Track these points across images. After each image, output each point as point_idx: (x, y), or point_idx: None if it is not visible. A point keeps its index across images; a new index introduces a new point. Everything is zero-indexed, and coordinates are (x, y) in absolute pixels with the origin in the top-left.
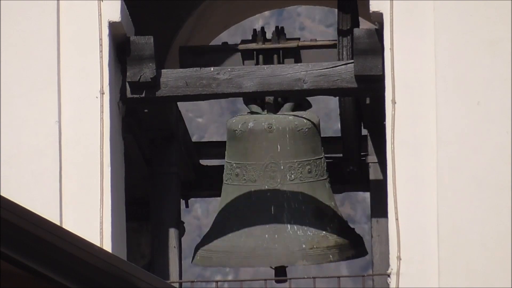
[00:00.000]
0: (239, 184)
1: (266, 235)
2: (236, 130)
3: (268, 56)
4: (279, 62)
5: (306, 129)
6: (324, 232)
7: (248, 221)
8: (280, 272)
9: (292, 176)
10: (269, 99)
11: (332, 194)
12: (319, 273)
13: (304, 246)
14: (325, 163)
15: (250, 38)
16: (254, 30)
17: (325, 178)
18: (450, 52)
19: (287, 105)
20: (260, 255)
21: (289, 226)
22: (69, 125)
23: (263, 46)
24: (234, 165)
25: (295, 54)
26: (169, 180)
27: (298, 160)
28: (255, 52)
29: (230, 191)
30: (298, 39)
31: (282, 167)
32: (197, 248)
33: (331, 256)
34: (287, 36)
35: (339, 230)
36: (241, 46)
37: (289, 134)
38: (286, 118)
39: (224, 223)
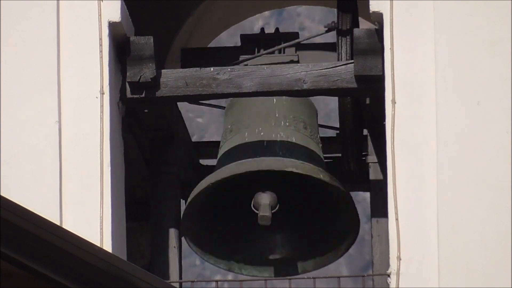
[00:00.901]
0: (233, 135)
1: (257, 156)
2: (233, 100)
3: (268, 47)
4: (279, 52)
5: (306, 105)
6: (316, 165)
7: (239, 152)
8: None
9: (287, 123)
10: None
11: (324, 161)
12: (319, 273)
13: (295, 158)
14: (321, 146)
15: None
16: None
17: (319, 145)
18: (450, 52)
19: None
20: (250, 162)
21: (280, 152)
22: (69, 125)
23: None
24: (228, 127)
25: (295, 45)
26: (169, 180)
27: (294, 114)
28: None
29: (224, 146)
30: (297, 33)
31: (277, 115)
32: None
33: (321, 174)
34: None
35: (332, 177)
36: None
37: (286, 102)
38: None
39: (215, 168)
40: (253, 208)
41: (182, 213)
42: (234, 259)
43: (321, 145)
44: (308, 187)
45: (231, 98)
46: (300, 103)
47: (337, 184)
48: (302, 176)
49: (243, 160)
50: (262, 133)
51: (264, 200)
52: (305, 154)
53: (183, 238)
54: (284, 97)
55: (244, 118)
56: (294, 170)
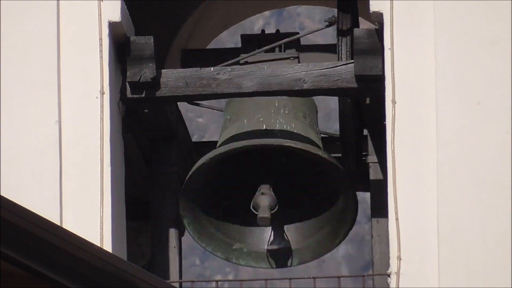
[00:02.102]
0: (231, 123)
1: (256, 139)
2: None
3: (269, 44)
4: (280, 51)
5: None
6: (315, 146)
7: (238, 136)
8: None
9: (287, 110)
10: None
11: (323, 150)
12: (319, 273)
13: (294, 141)
14: (321, 139)
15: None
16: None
17: (319, 135)
18: (450, 52)
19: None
20: (248, 140)
21: (279, 134)
22: (69, 125)
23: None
24: (227, 118)
25: (296, 45)
26: (169, 180)
27: (293, 105)
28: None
29: (223, 135)
30: (297, 33)
31: (276, 104)
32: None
33: (320, 152)
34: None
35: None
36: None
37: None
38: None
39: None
40: (252, 209)
41: (180, 191)
42: (233, 248)
43: (320, 136)
44: (307, 169)
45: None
46: (300, 97)
47: (335, 162)
48: (300, 154)
49: (242, 140)
50: (261, 119)
51: (264, 202)
52: (304, 140)
53: (183, 238)
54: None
55: (243, 108)
56: (293, 145)
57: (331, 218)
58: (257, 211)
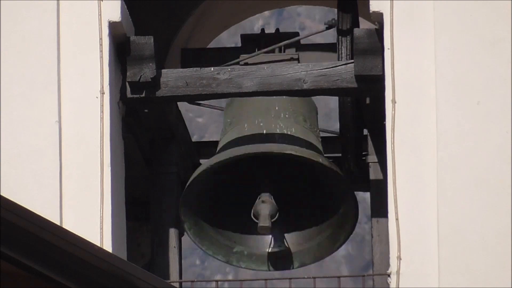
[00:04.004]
0: (232, 127)
1: (257, 143)
2: (234, 99)
3: (268, 47)
4: (280, 51)
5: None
6: (316, 152)
7: (239, 140)
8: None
9: (287, 115)
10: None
11: (323, 154)
12: (319, 273)
13: (294, 147)
14: (321, 141)
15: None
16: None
17: (319, 139)
18: (450, 52)
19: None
20: (249, 146)
21: (280, 140)
22: (69, 125)
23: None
24: (228, 121)
25: (296, 45)
26: (169, 180)
27: (293, 108)
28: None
29: (224, 139)
30: (298, 33)
31: (277, 108)
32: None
33: (320, 158)
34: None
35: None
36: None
37: (288, 100)
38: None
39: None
40: (253, 217)
41: (181, 197)
42: (233, 251)
43: (320, 139)
44: (307, 175)
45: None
46: (300, 99)
47: (335, 169)
48: (301, 161)
49: (242, 146)
50: (261, 124)
51: (264, 211)
52: (304, 144)
53: (183, 238)
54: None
55: (244, 111)
56: (293, 153)
57: (332, 222)
58: (257, 219)
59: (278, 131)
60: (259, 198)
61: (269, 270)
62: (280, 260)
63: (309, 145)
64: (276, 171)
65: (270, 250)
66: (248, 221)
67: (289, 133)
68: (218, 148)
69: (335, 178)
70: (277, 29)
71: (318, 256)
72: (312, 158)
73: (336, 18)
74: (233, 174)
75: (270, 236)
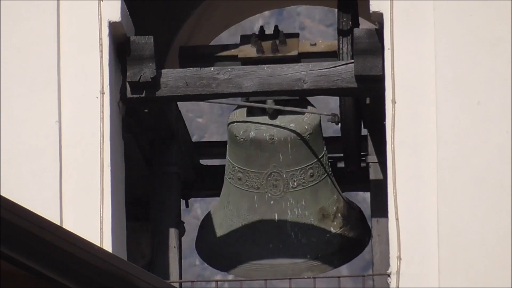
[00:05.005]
0: (242, 188)
1: (271, 245)
2: (238, 136)
3: (268, 47)
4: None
5: (308, 135)
6: (327, 235)
7: (252, 228)
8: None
9: (295, 183)
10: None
11: (335, 186)
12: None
13: (309, 256)
14: (327, 158)
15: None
16: (254, 33)
17: (327, 174)
18: (450, 52)
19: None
20: (266, 269)
21: (293, 234)
22: (69, 125)
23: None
24: (236, 168)
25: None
26: (169, 180)
27: (300, 167)
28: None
29: (233, 191)
30: (298, 34)
31: (284, 176)
32: (201, 241)
33: (335, 261)
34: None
35: (343, 226)
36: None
37: (291, 144)
38: (288, 126)
39: (228, 224)
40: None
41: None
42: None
43: (331, 173)
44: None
45: (235, 125)
46: (306, 142)
47: (354, 254)
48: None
49: (255, 261)
50: (271, 202)
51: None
52: (316, 214)
53: (183, 238)
54: (289, 146)
55: (252, 166)
56: (310, 274)
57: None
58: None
59: (289, 217)
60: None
61: (271, 278)
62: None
63: (322, 208)
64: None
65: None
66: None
67: (300, 209)
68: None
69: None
70: (276, 26)
71: (323, 270)
72: (329, 270)
73: (339, 115)
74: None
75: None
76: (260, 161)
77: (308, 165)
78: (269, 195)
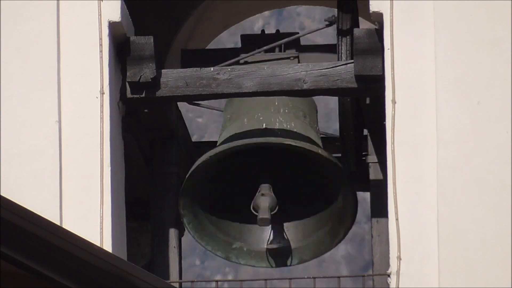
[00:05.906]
0: (232, 122)
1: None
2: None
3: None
4: (280, 51)
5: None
6: (312, 143)
7: (239, 136)
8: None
9: (286, 110)
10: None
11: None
12: (319, 273)
13: (294, 139)
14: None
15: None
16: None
17: (318, 135)
18: (450, 52)
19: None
20: (248, 139)
21: (279, 134)
22: (69, 125)
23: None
24: (228, 116)
25: (296, 45)
26: (169, 180)
27: (293, 104)
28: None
29: (224, 134)
30: (297, 33)
31: (276, 103)
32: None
33: (319, 150)
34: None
35: (327, 151)
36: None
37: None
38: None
39: (219, 142)
40: (252, 210)
41: (180, 189)
42: (232, 247)
43: (320, 135)
44: (307, 167)
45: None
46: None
47: (334, 161)
48: (300, 152)
49: (242, 139)
50: (261, 118)
51: (264, 203)
52: (304, 138)
53: (183, 238)
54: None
55: (243, 107)
56: (293, 143)
57: (331, 217)
58: (257, 212)
59: (277, 125)
60: (259, 191)
61: (268, 267)
62: (280, 256)
63: (309, 140)
64: (276, 164)
65: (269, 246)
66: (248, 216)
67: (288, 127)
68: (218, 143)
69: (335, 171)
70: (277, 30)
71: (318, 252)
72: (312, 149)
73: (336, 15)
74: (233, 167)
75: (270, 232)
76: (254, 99)
77: (301, 107)
78: (259, 114)
